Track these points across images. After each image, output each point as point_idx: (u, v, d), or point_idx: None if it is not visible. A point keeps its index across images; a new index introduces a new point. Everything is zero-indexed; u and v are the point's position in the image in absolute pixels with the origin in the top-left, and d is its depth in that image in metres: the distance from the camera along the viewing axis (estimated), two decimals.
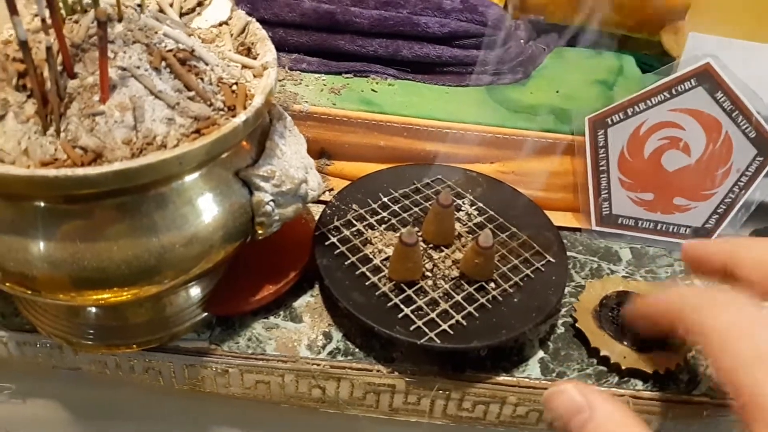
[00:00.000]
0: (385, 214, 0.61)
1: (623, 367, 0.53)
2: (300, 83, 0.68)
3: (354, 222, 0.60)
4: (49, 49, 0.37)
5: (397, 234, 0.59)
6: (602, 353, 0.54)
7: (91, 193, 0.39)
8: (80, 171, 0.36)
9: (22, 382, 0.61)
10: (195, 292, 0.54)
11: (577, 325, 0.56)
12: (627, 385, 0.54)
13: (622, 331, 0.55)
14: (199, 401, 0.59)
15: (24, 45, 0.37)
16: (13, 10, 0.35)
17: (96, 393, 0.61)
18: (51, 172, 0.36)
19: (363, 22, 0.68)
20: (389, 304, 0.53)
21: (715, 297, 0.37)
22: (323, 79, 0.69)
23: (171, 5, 0.53)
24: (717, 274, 0.44)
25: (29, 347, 0.55)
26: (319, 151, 0.68)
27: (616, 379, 0.54)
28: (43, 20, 0.37)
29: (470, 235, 0.60)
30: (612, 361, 0.53)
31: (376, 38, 0.69)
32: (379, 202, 0.62)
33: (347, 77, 0.70)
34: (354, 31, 0.69)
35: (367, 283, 0.55)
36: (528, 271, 0.56)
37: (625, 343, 0.54)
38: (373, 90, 0.68)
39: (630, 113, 0.62)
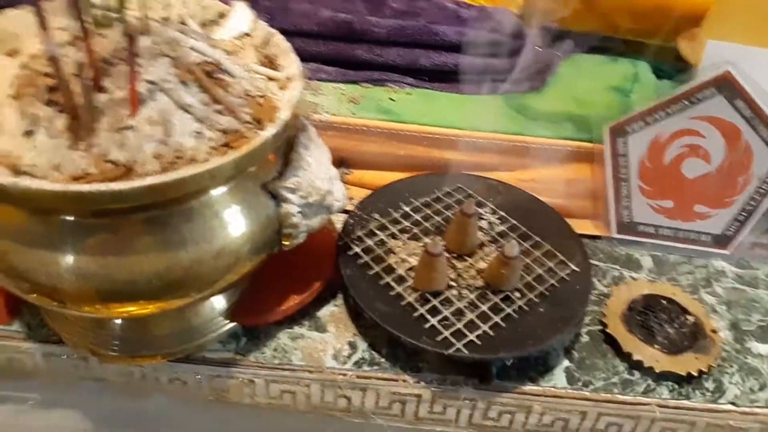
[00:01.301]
0: (407, 223, 0.61)
1: (657, 371, 0.53)
2: (319, 93, 0.68)
3: (376, 232, 0.60)
4: (80, 64, 0.37)
5: (420, 243, 0.59)
6: (635, 358, 0.54)
7: (122, 207, 0.39)
8: (113, 186, 0.36)
9: (46, 392, 0.61)
10: (221, 303, 0.54)
11: (608, 330, 0.56)
12: (653, 394, 0.54)
13: (652, 334, 0.55)
14: (223, 411, 0.59)
15: (55, 60, 0.37)
16: (44, 25, 0.35)
17: (119, 403, 0.61)
18: (84, 187, 0.36)
19: (380, 32, 0.68)
20: (415, 314, 0.53)
21: None
22: (341, 89, 0.69)
23: (192, 17, 0.53)
24: None
25: (55, 358, 0.55)
26: (338, 161, 0.68)
27: (642, 387, 0.54)
28: (74, 35, 0.37)
29: (493, 245, 0.60)
30: (645, 365, 0.53)
31: (393, 47, 0.69)
32: (401, 211, 0.62)
33: (365, 86, 0.70)
34: (372, 41, 0.69)
35: (391, 293, 0.55)
36: (553, 281, 0.56)
37: (656, 346, 0.54)
38: (391, 99, 0.68)
39: (650, 121, 0.62)
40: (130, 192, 0.37)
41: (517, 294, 0.55)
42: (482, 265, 0.58)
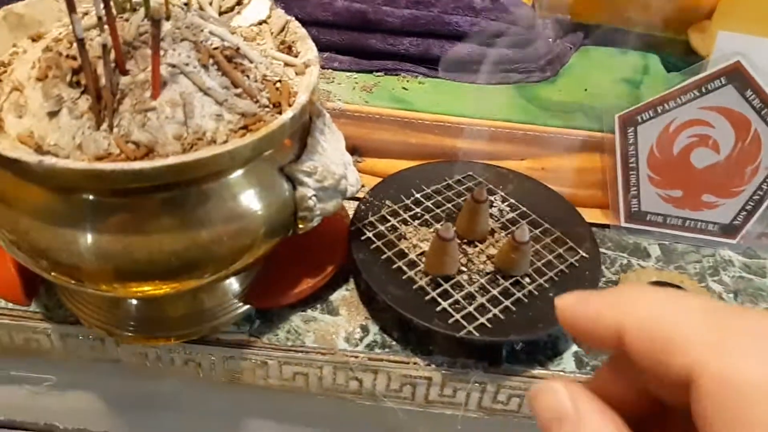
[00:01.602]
0: (418, 210, 0.62)
1: None
2: (332, 81, 0.69)
3: (388, 218, 0.61)
4: (105, 46, 0.38)
5: (431, 229, 0.60)
6: None
7: (142, 186, 0.40)
8: (136, 165, 0.37)
9: (61, 374, 0.62)
10: (235, 285, 0.55)
11: None
12: None
13: None
14: (236, 393, 0.60)
15: (81, 43, 0.38)
16: (72, 8, 0.36)
17: (134, 384, 0.62)
18: (107, 166, 0.37)
19: (394, 21, 0.69)
20: (426, 297, 0.54)
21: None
22: (355, 78, 0.70)
23: (210, 4, 0.54)
24: (609, 346, 0.27)
25: (72, 339, 0.56)
26: (350, 149, 0.68)
27: None
28: (99, 18, 0.38)
29: (503, 231, 0.61)
30: None
31: (407, 37, 0.70)
32: (412, 198, 0.63)
33: (378, 75, 0.71)
34: (385, 30, 0.70)
35: (403, 277, 0.55)
36: (562, 267, 0.57)
37: None
38: (404, 88, 0.69)
39: (660, 111, 0.63)
40: (152, 171, 0.38)
41: (527, 279, 0.56)
42: (493, 251, 0.58)
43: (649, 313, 0.24)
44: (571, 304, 0.27)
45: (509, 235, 0.56)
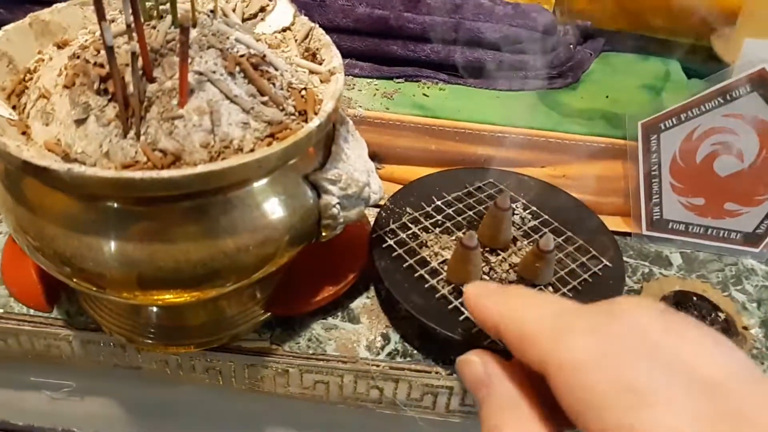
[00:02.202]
0: (439, 217, 0.62)
1: None
2: (353, 88, 0.69)
3: (409, 225, 0.61)
4: (134, 54, 0.38)
5: (453, 237, 0.60)
6: None
7: (169, 195, 0.39)
8: (165, 173, 0.37)
9: (81, 380, 0.62)
10: (256, 293, 0.55)
11: None
12: None
13: None
14: (255, 400, 0.60)
15: (110, 51, 0.38)
16: (101, 16, 0.36)
17: (153, 391, 0.62)
18: (137, 174, 0.37)
19: (416, 28, 0.68)
20: (449, 306, 0.53)
21: (565, 318, 0.30)
22: (375, 84, 0.70)
23: (233, 10, 0.54)
24: (494, 336, 0.34)
25: (93, 346, 0.56)
26: (370, 155, 0.68)
27: None
28: (128, 26, 0.38)
29: (525, 239, 0.60)
30: None
31: (428, 43, 0.70)
32: (433, 205, 0.63)
33: (399, 82, 0.71)
34: (407, 36, 0.69)
35: (425, 286, 0.55)
36: (586, 276, 0.57)
37: None
38: (424, 94, 0.69)
39: (683, 118, 0.63)
40: (181, 180, 0.37)
41: (551, 288, 0.56)
42: (515, 259, 0.58)
43: (514, 314, 0.31)
44: (473, 296, 0.34)
45: (533, 244, 0.55)
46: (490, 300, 0.33)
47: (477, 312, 0.34)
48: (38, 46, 0.49)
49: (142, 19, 0.43)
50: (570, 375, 0.27)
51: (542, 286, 0.55)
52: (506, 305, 0.32)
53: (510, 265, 0.58)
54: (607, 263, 0.58)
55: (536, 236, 0.60)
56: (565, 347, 0.27)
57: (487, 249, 0.59)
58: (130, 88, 0.40)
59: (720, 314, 0.58)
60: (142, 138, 0.41)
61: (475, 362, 0.34)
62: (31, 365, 0.60)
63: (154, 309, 0.54)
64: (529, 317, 0.30)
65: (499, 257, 0.58)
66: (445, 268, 0.56)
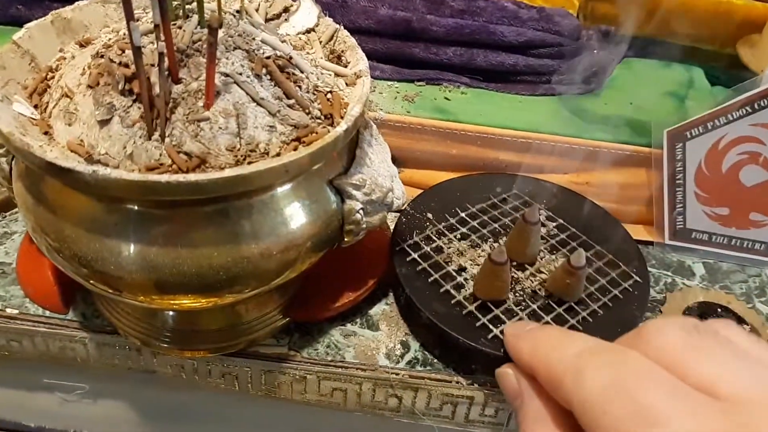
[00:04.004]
0: (463, 229, 0.61)
1: None
2: (374, 91, 0.68)
3: (430, 230, 0.60)
4: (161, 54, 0.37)
5: (477, 250, 0.59)
6: None
7: (193, 198, 0.39)
8: (192, 177, 0.36)
9: (94, 383, 0.62)
10: (275, 298, 0.54)
11: None
12: None
13: None
14: (272, 406, 0.59)
15: (138, 51, 0.37)
16: (130, 15, 0.35)
17: (167, 395, 0.61)
18: (163, 177, 0.36)
19: (439, 30, 0.68)
20: (469, 315, 0.52)
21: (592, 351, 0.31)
22: (396, 87, 0.69)
23: (257, 10, 0.53)
24: (530, 375, 0.35)
25: (108, 348, 0.55)
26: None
27: None
28: (156, 26, 0.37)
29: (552, 253, 0.59)
30: None
31: (451, 46, 0.69)
32: (453, 211, 0.62)
33: (420, 85, 0.70)
34: (429, 39, 0.69)
35: (446, 293, 0.54)
36: (616, 291, 0.55)
37: None
38: (446, 98, 0.68)
39: (710, 127, 0.62)
40: (208, 184, 0.37)
41: (581, 306, 0.54)
42: (543, 274, 0.56)
43: (542, 356, 0.32)
44: (510, 337, 0.36)
45: (561, 258, 0.54)
46: (525, 342, 0.35)
47: (513, 353, 0.36)
48: (60, 44, 0.48)
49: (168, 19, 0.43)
50: (590, 411, 0.28)
51: (573, 303, 0.54)
52: (536, 348, 0.34)
53: (539, 280, 0.56)
54: (638, 279, 0.56)
55: (564, 250, 0.59)
56: (583, 385, 0.29)
57: (514, 263, 0.58)
58: (156, 89, 0.40)
59: (745, 327, 0.57)
60: (167, 140, 0.40)
61: (510, 375, 0.36)
62: (45, 367, 0.59)
63: (171, 312, 0.53)
64: (554, 358, 0.31)
65: (527, 272, 0.57)
66: (467, 276, 0.55)
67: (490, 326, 0.52)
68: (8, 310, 0.55)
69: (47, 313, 0.55)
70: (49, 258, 0.44)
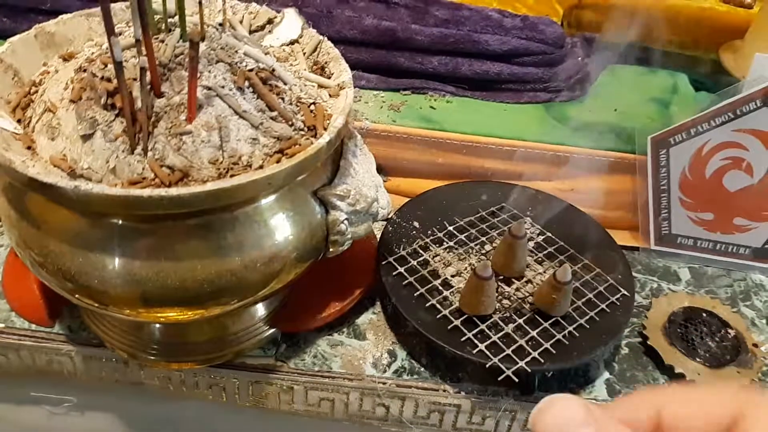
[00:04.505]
0: (451, 243, 0.61)
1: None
2: (359, 100, 0.68)
3: (416, 239, 0.60)
4: (143, 69, 0.38)
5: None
6: (677, 371, 0.53)
7: (177, 212, 0.39)
8: (174, 191, 0.36)
9: (81, 395, 0.61)
10: (261, 309, 0.54)
11: (648, 342, 0.56)
12: None
13: (693, 347, 0.55)
14: (259, 417, 0.59)
15: (119, 66, 0.37)
16: (110, 31, 0.36)
17: (155, 407, 0.61)
18: (145, 192, 0.36)
19: (424, 40, 0.68)
20: (463, 339, 0.52)
21: None
22: (382, 96, 0.69)
23: (241, 22, 0.53)
24: None
25: (95, 361, 0.55)
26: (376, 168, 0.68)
27: None
28: (137, 41, 0.37)
29: (540, 266, 0.59)
30: (687, 379, 0.53)
31: (436, 55, 0.69)
32: (440, 220, 0.62)
33: (405, 94, 0.70)
34: (414, 48, 0.69)
35: (432, 304, 0.54)
36: (603, 305, 0.55)
37: (698, 359, 0.54)
38: (431, 107, 0.68)
39: (693, 133, 0.62)
40: (190, 197, 0.37)
41: (567, 320, 0.54)
42: (530, 288, 0.57)
43: None
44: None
45: (548, 271, 0.54)
46: None
47: None
48: (43, 58, 0.48)
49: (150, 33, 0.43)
50: None
51: (559, 317, 0.54)
52: None
53: (524, 294, 0.56)
54: (625, 292, 0.56)
55: (551, 263, 0.59)
56: None
57: (501, 277, 0.58)
58: (138, 103, 0.40)
59: (730, 331, 0.58)
60: (150, 154, 0.40)
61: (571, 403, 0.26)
62: (32, 380, 0.59)
63: (158, 325, 0.53)
64: None
65: (514, 286, 0.57)
66: (457, 295, 0.55)
67: (476, 341, 0.51)
68: None
69: (33, 326, 0.55)
70: (34, 273, 0.44)
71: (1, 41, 0.47)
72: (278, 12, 0.55)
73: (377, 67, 0.71)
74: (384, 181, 0.67)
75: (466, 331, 0.52)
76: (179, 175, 0.40)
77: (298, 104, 0.45)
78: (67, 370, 0.56)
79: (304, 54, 0.52)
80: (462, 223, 0.63)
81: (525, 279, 0.58)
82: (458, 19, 0.68)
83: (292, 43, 0.53)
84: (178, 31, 0.43)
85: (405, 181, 0.68)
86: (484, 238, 0.62)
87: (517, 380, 0.49)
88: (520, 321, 0.54)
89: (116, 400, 0.61)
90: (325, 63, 0.51)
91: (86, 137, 0.40)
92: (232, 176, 0.40)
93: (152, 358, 0.53)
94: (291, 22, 0.53)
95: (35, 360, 0.56)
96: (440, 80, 0.71)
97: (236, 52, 0.44)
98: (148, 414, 0.63)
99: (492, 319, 0.54)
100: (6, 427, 0.65)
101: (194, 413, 0.61)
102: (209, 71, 0.42)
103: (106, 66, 0.42)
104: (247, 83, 0.43)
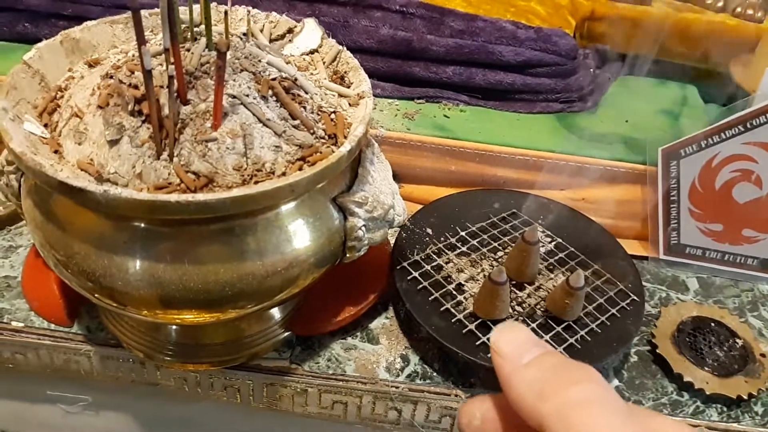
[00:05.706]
0: (463, 248, 0.62)
1: (707, 393, 0.53)
2: (374, 108, 0.69)
3: (429, 245, 0.61)
4: (171, 77, 0.39)
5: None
6: (686, 379, 0.54)
7: (201, 217, 0.39)
8: (200, 197, 0.37)
9: (97, 395, 0.62)
10: (276, 312, 0.55)
11: (658, 351, 0.57)
12: (702, 416, 0.54)
13: (701, 356, 0.56)
14: (273, 418, 0.60)
15: (148, 74, 0.38)
16: (141, 41, 0.36)
17: (170, 407, 0.62)
18: (172, 197, 0.37)
19: (439, 50, 0.69)
20: (470, 333, 0.53)
21: None
22: (396, 105, 0.70)
23: (261, 31, 0.54)
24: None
25: (112, 361, 0.56)
26: None
27: (691, 409, 0.54)
28: (167, 50, 0.38)
29: (551, 272, 0.60)
30: (696, 387, 0.54)
31: (450, 65, 0.70)
32: (453, 227, 0.63)
33: (419, 103, 0.71)
34: (429, 58, 0.70)
35: (446, 309, 0.55)
36: (614, 310, 0.56)
37: (706, 368, 0.55)
38: (445, 116, 0.69)
39: (704, 145, 0.63)
40: (216, 203, 0.38)
41: (578, 324, 0.55)
42: (542, 293, 0.58)
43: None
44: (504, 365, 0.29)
45: (560, 276, 0.55)
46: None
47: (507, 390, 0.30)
48: (69, 64, 0.49)
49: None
50: None
51: (571, 322, 0.55)
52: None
53: (537, 299, 0.57)
54: (635, 297, 0.57)
55: (563, 268, 0.60)
56: None
57: (514, 282, 0.58)
58: (165, 110, 0.41)
59: (738, 341, 0.58)
60: (176, 160, 0.41)
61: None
62: (48, 379, 0.60)
63: (174, 326, 0.54)
64: None
65: (526, 291, 0.58)
66: (470, 300, 0.56)
67: (479, 334, 0.53)
68: (13, 323, 0.56)
69: (52, 326, 0.56)
70: (57, 273, 0.45)
71: (25, 46, 0.48)
72: (298, 21, 0.55)
73: (392, 76, 0.72)
74: (398, 188, 0.68)
75: (480, 335, 0.53)
76: (204, 181, 0.41)
77: (319, 113, 0.46)
78: (84, 369, 0.57)
79: (324, 63, 0.53)
80: (474, 228, 0.64)
81: (536, 284, 0.59)
82: (473, 30, 0.69)
83: (311, 52, 0.54)
84: (203, 40, 0.44)
85: (418, 188, 0.69)
86: (496, 244, 0.62)
87: None
88: (533, 325, 0.55)
89: (131, 399, 0.62)
90: (345, 72, 0.52)
91: (113, 142, 0.41)
92: (256, 183, 0.41)
93: (168, 359, 0.54)
94: (310, 32, 0.54)
95: (53, 359, 0.57)
96: (454, 89, 0.72)
97: (260, 61, 0.45)
98: (162, 414, 0.64)
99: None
100: (22, 424, 0.66)
101: (209, 414, 0.62)
102: (234, 80, 0.43)
103: (132, 73, 0.43)
104: (270, 92, 0.44)
